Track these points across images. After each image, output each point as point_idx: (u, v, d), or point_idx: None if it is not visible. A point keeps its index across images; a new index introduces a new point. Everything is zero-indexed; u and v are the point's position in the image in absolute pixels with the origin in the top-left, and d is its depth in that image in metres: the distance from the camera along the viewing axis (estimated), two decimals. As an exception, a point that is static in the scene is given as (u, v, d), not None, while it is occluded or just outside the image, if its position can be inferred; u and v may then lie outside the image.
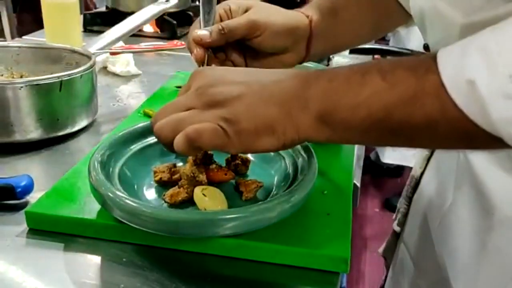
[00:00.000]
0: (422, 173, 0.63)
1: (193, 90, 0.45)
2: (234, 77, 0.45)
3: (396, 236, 0.70)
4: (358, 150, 0.92)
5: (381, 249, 0.75)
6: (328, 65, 1.06)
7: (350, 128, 0.41)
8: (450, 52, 0.37)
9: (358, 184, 1.12)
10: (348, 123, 0.40)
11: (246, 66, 0.61)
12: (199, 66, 0.57)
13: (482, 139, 0.36)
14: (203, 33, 0.56)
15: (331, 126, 0.41)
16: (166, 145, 0.45)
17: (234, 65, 0.60)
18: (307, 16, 0.61)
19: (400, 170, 2.56)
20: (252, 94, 0.43)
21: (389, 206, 2.29)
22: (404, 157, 2.29)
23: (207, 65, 0.56)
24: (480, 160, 0.50)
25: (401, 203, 0.67)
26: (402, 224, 0.67)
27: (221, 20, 0.59)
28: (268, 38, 0.58)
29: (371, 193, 2.42)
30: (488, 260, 0.49)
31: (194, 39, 0.56)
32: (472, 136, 0.37)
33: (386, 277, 0.75)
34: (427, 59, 0.38)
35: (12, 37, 2.29)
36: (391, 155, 2.37)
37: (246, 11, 0.59)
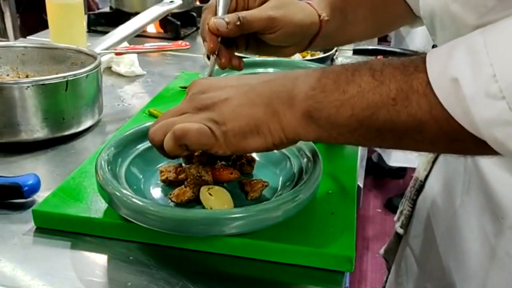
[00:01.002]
0: (426, 176, 0.63)
1: (187, 98, 0.47)
2: (226, 83, 0.46)
3: (398, 238, 0.70)
4: (361, 151, 0.92)
5: (382, 250, 0.75)
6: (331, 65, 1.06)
7: (337, 127, 0.41)
8: (438, 51, 0.37)
9: (361, 185, 1.13)
10: (335, 122, 0.40)
11: (246, 49, 0.62)
12: (210, 56, 0.57)
13: (468, 142, 0.36)
14: (220, 23, 0.55)
15: (318, 124, 0.41)
16: (158, 148, 0.46)
17: (236, 47, 0.60)
18: (319, 15, 0.61)
19: (402, 172, 2.56)
20: (240, 96, 0.44)
21: (391, 206, 2.28)
22: (409, 159, 2.28)
23: (217, 55, 0.57)
24: (489, 165, 0.49)
25: (403, 205, 0.67)
26: (405, 226, 0.67)
27: (237, 6, 0.59)
28: (280, 36, 0.58)
29: (373, 193, 2.42)
30: (497, 266, 0.48)
31: (211, 27, 0.55)
32: (459, 138, 0.36)
33: (387, 278, 0.75)
34: (417, 58, 0.38)
35: (15, 38, 2.29)
36: (396, 158, 2.36)
37: (264, 1, 0.59)
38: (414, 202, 0.65)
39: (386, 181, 2.54)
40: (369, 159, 2.53)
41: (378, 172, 2.55)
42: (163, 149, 0.45)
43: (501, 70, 0.33)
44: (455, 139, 0.37)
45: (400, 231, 0.68)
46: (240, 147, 0.44)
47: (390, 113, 0.38)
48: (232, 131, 0.43)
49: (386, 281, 0.75)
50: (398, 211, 0.69)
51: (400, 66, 0.38)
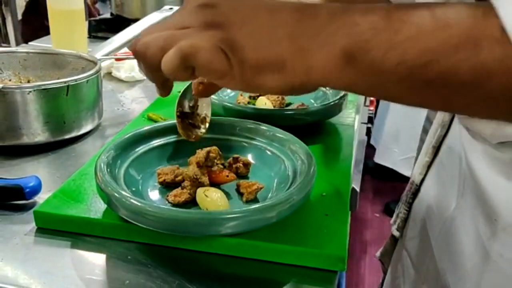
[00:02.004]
0: (422, 180, 0.64)
1: (189, 7, 0.37)
2: (244, 0, 0.38)
3: (394, 241, 0.71)
4: (357, 155, 0.93)
5: (378, 253, 0.76)
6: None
7: (380, 73, 0.34)
8: None
9: (358, 189, 1.14)
10: (379, 67, 0.34)
11: None
12: None
13: None
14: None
15: (357, 68, 0.34)
16: (151, 66, 0.38)
17: None
18: None
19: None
20: (262, 21, 0.36)
21: (389, 211, 2.29)
22: (394, 162, 2.29)
23: None
24: (483, 168, 0.50)
25: (399, 208, 0.68)
26: (401, 229, 0.68)
27: None
28: None
29: (372, 197, 2.43)
30: (491, 268, 0.48)
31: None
32: None
33: (383, 280, 0.76)
34: (482, 3, 0.32)
35: (17, 43, 2.31)
36: (382, 157, 2.36)
37: None
38: (410, 205, 0.66)
39: (387, 184, 2.52)
40: (371, 161, 2.53)
41: (381, 174, 2.53)
42: (154, 68, 0.37)
43: None
44: None
45: (396, 233, 0.69)
46: (255, 83, 0.36)
47: (451, 62, 0.32)
48: (250, 61, 0.35)
49: (382, 283, 0.76)
50: (395, 214, 0.70)
51: (465, 10, 0.33)
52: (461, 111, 0.36)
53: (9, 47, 2.12)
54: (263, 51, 0.35)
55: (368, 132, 1.21)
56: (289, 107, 0.82)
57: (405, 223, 0.67)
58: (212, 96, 0.78)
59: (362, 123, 1.10)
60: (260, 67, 0.36)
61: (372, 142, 2.48)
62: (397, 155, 2.28)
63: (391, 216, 0.74)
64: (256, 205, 0.49)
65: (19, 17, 2.44)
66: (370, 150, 2.50)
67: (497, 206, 0.48)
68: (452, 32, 0.32)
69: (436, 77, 0.33)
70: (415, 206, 0.65)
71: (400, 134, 2.28)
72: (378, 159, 2.40)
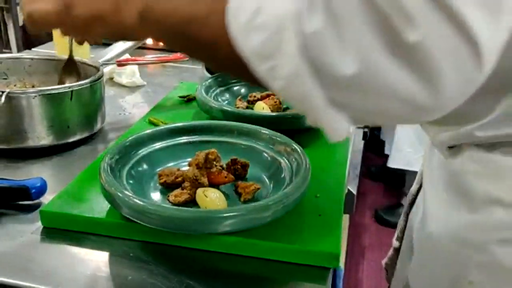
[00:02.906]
0: (418, 190, 0.66)
1: None
2: None
3: (396, 251, 0.72)
4: (353, 159, 0.95)
5: (384, 261, 0.77)
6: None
7: (162, 29, 0.45)
8: None
9: (354, 192, 1.14)
10: (158, 24, 0.45)
11: None
12: None
13: (223, 47, 0.39)
14: None
15: (148, 23, 0.45)
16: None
17: None
18: None
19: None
20: None
21: (379, 218, 2.26)
22: (409, 162, 2.26)
23: None
24: (428, 175, 0.53)
25: (400, 218, 0.70)
26: (401, 239, 0.70)
27: None
28: None
29: (370, 202, 2.44)
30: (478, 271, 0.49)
31: None
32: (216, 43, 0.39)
33: None
34: None
35: (18, 49, 2.33)
36: (395, 160, 2.32)
37: None
38: (407, 216, 0.68)
39: (388, 189, 2.52)
40: (375, 165, 2.53)
41: (385, 179, 2.52)
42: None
43: None
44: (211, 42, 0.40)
45: (396, 244, 0.70)
46: (85, 33, 0.51)
47: (196, 25, 0.41)
48: (81, 16, 0.48)
49: None
50: (398, 224, 0.72)
51: None
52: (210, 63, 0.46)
53: (11, 53, 2.14)
54: (91, 8, 0.48)
55: (365, 137, 1.22)
56: (286, 112, 0.84)
57: (403, 234, 0.69)
58: (212, 100, 0.80)
59: (358, 127, 1.12)
60: (88, 21, 0.48)
61: (387, 151, 2.44)
62: (410, 155, 2.24)
63: (381, 224, 0.75)
64: (252, 204, 0.51)
65: (20, 23, 2.47)
66: (372, 155, 2.51)
67: (430, 214, 0.51)
68: (198, 6, 0.41)
69: (189, 34, 0.42)
70: (410, 217, 0.67)
71: (411, 133, 2.23)
72: (392, 163, 2.34)
